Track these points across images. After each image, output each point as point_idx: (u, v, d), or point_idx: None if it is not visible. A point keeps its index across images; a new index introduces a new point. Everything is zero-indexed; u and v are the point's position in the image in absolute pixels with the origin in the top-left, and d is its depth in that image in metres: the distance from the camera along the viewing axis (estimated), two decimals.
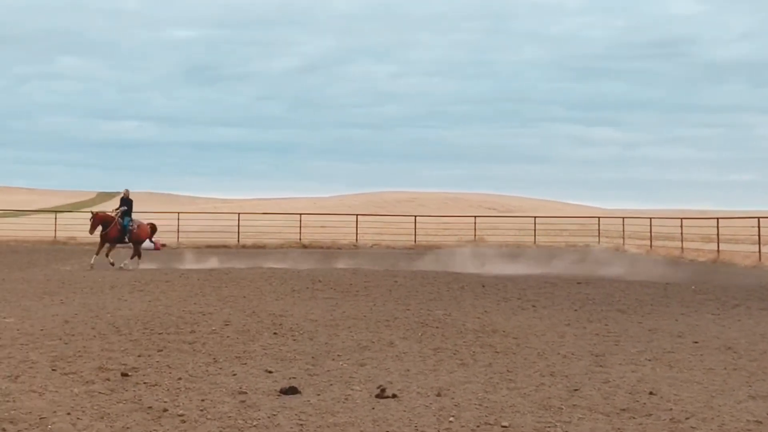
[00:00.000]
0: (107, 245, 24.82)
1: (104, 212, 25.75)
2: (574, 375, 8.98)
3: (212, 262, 25.69)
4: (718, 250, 30.10)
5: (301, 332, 11.58)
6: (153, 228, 25.73)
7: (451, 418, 7.05)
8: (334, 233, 38.17)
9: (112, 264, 23.95)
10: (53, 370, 8.75)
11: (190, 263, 25.61)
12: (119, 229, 24.57)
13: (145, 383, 8.19)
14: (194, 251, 31.44)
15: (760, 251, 27.94)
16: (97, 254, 24.56)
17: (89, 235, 25.37)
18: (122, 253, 25.60)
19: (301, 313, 13.51)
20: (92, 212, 25.47)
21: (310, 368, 9.06)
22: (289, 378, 8.49)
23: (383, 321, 12.91)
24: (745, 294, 17.73)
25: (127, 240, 24.89)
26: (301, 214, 40.07)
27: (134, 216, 25.44)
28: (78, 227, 38.33)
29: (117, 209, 25.19)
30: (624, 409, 7.45)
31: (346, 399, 7.67)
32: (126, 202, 25.23)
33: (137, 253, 24.98)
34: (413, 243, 36.86)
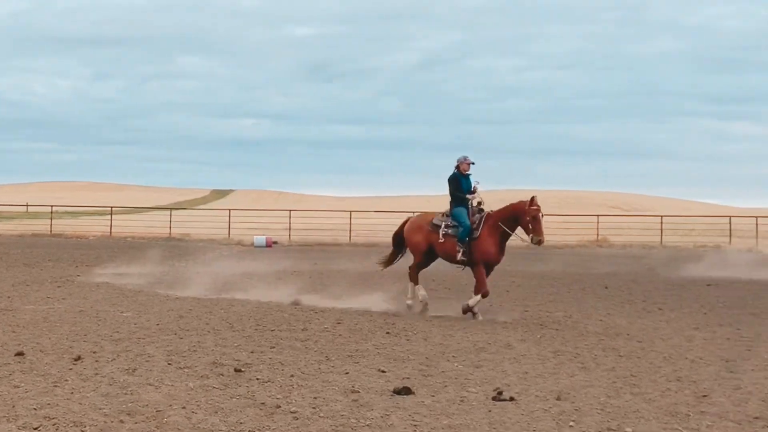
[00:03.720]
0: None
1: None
2: (703, 381, 8.75)
3: (324, 261, 25.94)
4: None
5: (415, 332, 11.64)
6: None
7: (571, 423, 6.97)
8: None
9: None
10: (169, 364, 9.05)
11: (301, 261, 25.91)
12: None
13: (258, 379, 8.38)
14: (305, 249, 31.92)
15: None
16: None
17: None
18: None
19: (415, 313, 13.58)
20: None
21: (424, 369, 9.09)
22: (403, 378, 8.54)
23: (500, 322, 12.85)
24: None
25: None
26: (413, 212, 40.15)
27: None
28: (192, 224, 39.54)
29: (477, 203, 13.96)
30: (757, 417, 7.23)
31: (462, 401, 7.67)
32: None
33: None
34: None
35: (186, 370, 8.77)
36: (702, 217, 45.69)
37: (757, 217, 38.08)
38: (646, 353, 10.41)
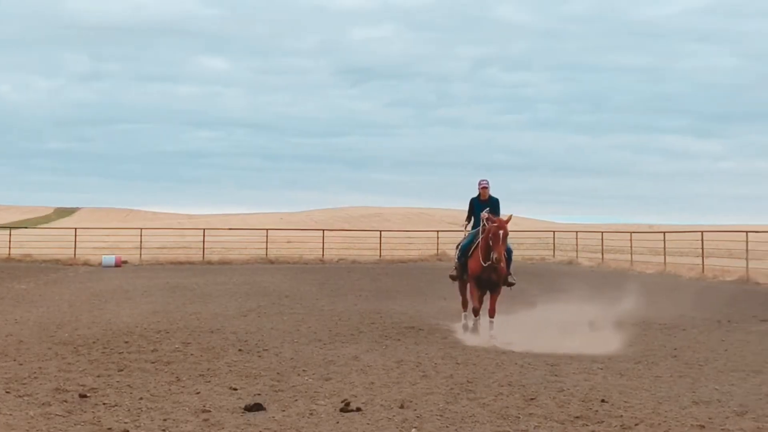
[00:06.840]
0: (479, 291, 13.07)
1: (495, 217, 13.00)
2: (531, 384, 8.99)
3: (177, 278, 24.96)
4: (665, 262, 30.66)
5: (267, 348, 11.45)
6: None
7: (413, 430, 7.01)
8: (300, 248, 37.90)
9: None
10: (7, 392, 8.28)
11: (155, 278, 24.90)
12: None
13: (104, 404, 7.82)
14: (156, 268, 30.78)
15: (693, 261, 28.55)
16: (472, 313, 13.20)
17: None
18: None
19: (266, 329, 13.40)
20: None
21: (276, 384, 8.91)
22: (254, 395, 8.33)
23: (348, 335, 12.85)
24: (691, 305, 17.93)
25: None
26: (266, 229, 39.78)
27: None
28: (34, 244, 36.18)
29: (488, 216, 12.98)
30: (577, 417, 7.48)
31: (311, 414, 7.57)
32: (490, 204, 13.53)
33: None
34: (378, 258, 36.82)
35: (26, 398, 8.04)
36: (530, 231, 47.24)
37: (576, 231, 39.69)
38: (481, 360, 10.63)
